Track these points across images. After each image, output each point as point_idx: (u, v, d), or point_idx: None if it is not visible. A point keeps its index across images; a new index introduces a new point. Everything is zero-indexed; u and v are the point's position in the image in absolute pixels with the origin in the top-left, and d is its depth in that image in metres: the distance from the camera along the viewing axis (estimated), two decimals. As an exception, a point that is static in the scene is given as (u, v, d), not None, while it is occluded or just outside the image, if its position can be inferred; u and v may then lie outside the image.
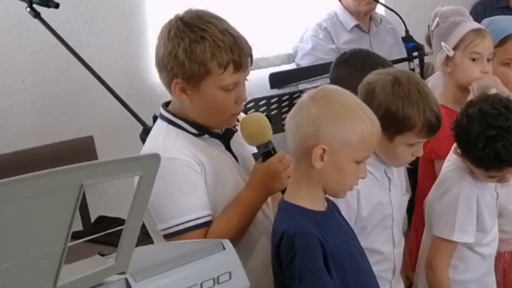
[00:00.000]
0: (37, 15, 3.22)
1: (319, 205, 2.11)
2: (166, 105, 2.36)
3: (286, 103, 3.60)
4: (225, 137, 2.34)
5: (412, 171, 3.06)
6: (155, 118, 2.52)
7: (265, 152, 2.27)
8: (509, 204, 2.74)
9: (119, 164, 1.40)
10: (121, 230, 1.50)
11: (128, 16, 4.03)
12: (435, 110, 2.34)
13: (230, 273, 1.73)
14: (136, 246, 1.56)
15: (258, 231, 2.29)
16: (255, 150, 2.36)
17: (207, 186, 2.24)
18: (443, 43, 3.04)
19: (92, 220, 3.67)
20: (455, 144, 2.61)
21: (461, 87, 3.00)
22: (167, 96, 2.36)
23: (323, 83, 3.14)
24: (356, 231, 2.33)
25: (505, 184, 2.65)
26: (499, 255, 2.74)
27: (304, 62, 4.48)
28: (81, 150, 3.69)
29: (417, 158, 2.94)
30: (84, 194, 1.33)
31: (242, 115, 2.41)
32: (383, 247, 2.40)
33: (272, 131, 2.29)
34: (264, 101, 3.44)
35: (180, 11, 2.30)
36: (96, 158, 3.66)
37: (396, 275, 2.46)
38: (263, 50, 4.57)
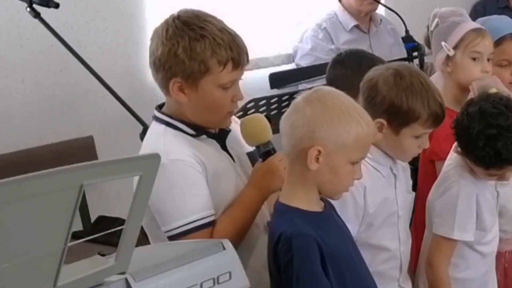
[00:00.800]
0: (37, 15, 3.22)
1: (316, 206, 2.11)
2: (159, 107, 2.36)
3: (286, 103, 3.60)
4: (221, 137, 2.35)
5: (413, 172, 3.06)
6: (155, 118, 2.51)
7: (265, 152, 2.28)
8: (508, 204, 2.74)
9: (119, 164, 1.40)
10: (121, 230, 1.50)
11: (128, 16, 4.03)
12: (438, 100, 2.35)
13: (230, 273, 1.74)
14: (136, 246, 1.57)
15: (258, 229, 2.30)
16: (249, 149, 2.37)
17: (208, 185, 2.25)
18: (443, 43, 3.04)
19: (92, 220, 3.67)
20: (455, 143, 2.61)
21: (461, 87, 3.00)
22: (167, 96, 2.36)
23: (322, 83, 3.15)
24: (363, 228, 2.34)
25: (504, 183, 2.66)
26: (499, 255, 2.74)
27: (304, 62, 4.48)
28: (81, 150, 3.69)
29: (418, 158, 2.96)
30: (84, 194, 1.33)
31: (234, 118, 2.42)
32: (389, 244, 2.40)
33: (272, 131, 2.30)
34: (264, 101, 3.43)
35: (179, 11, 2.30)
36: (96, 158, 3.66)
37: (403, 273, 2.46)
38: (263, 50, 4.57)
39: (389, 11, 4.48)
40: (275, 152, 2.28)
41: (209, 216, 2.22)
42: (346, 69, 2.93)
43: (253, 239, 2.29)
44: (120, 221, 3.23)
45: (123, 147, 3.77)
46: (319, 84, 3.10)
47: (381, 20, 4.67)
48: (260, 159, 2.30)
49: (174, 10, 2.33)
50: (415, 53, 3.92)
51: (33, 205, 1.26)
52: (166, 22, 2.27)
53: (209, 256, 1.73)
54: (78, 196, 1.32)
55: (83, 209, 3.51)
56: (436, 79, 3.25)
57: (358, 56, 2.98)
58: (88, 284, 1.47)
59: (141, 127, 3.06)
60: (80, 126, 3.82)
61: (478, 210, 2.55)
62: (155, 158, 1.48)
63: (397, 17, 4.20)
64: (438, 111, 2.34)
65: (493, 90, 2.63)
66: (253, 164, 2.36)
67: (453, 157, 2.62)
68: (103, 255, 1.57)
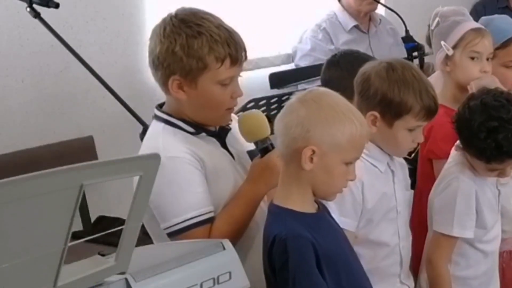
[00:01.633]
0: (37, 15, 3.22)
1: (310, 207, 2.10)
2: (160, 106, 2.37)
3: (286, 103, 3.60)
4: (221, 135, 2.36)
5: (412, 171, 3.06)
6: (155, 118, 2.52)
7: (264, 148, 2.29)
8: (508, 204, 2.74)
9: (119, 164, 1.40)
10: (121, 230, 1.50)
11: (128, 16, 4.03)
12: (431, 92, 2.37)
13: (230, 273, 1.74)
14: (136, 246, 1.57)
15: (257, 225, 2.30)
16: (249, 148, 2.37)
17: (207, 183, 2.25)
18: (442, 42, 3.04)
19: (92, 220, 3.67)
20: (457, 142, 2.62)
21: (460, 87, 3.00)
22: (167, 96, 2.36)
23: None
24: (362, 224, 2.35)
25: (504, 182, 2.66)
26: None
27: (303, 63, 4.48)
28: (81, 150, 3.69)
29: (416, 157, 2.96)
30: (84, 194, 1.33)
31: (233, 116, 2.42)
32: (388, 239, 2.41)
33: (272, 131, 2.30)
34: (264, 101, 3.44)
35: (178, 11, 2.31)
36: (96, 158, 3.66)
37: (404, 268, 2.47)
38: (263, 50, 4.57)
39: (389, 11, 4.49)
40: (273, 148, 2.28)
41: (207, 213, 2.23)
42: (342, 70, 2.94)
43: (252, 235, 2.29)
44: (120, 221, 3.22)
45: (123, 147, 3.77)
46: (318, 85, 3.11)
47: (380, 20, 4.67)
48: (258, 155, 2.31)
49: (174, 10, 2.33)
50: (415, 53, 3.92)
51: (33, 205, 1.26)
52: (164, 20, 2.28)
53: (209, 256, 1.73)
54: (78, 196, 1.32)
55: (83, 209, 3.52)
56: (436, 78, 3.25)
57: (353, 57, 2.99)
58: (88, 284, 1.47)
59: (141, 127, 3.06)
60: (80, 126, 3.82)
61: (478, 208, 2.55)
62: (155, 158, 1.48)
63: (397, 17, 4.20)
64: (431, 103, 2.35)
65: None
66: (253, 163, 2.36)
67: (453, 155, 2.63)
68: (103, 255, 1.57)
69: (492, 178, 2.61)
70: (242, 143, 2.38)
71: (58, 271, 1.36)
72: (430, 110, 2.36)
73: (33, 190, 1.24)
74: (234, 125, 2.38)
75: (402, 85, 2.34)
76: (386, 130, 2.35)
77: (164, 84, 2.28)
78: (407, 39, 4.01)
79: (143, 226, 2.17)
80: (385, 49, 4.45)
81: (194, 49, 2.21)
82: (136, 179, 1.48)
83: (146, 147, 2.33)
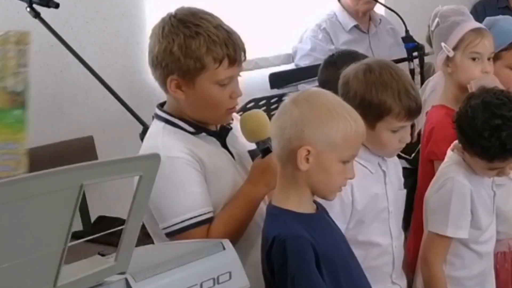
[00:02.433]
0: (37, 15, 3.22)
1: (308, 208, 2.10)
2: (161, 105, 2.37)
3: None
4: (221, 135, 2.36)
5: (412, 171, 3.06)
6: (155, 118, 2.52)
7: (265, 149, 2.28)
8: (503, 205, 2.75)
9: (119, 164, 1.40)
10: (121, 230, 1.50)
11: (128, 16, 4.03)
12: (411, 92, 2.35)
13: (230, 273, 1.74)
14: (136, 246, 1.57)
15: (257, 226, 2.30)
16: (250, 147, 2.37)
17: (206, 183, 2.25)
18: (443, 44, 3.04)
19: (92, 220, 3.67)
20: (454, 142, 2.62)
21: (462, 87, 3.00)
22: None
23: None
24: (352, 225, 2.34)
25: (499, 184, 2.66)
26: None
27: (303, 63, 4.48)
28: (81, 150, 3.68)
29: (417, 157, 2.95)
30: (84, 194, 1.33)
31: (236, 116, 2.42)
32: (380, 239, 2.41)
33: (272, 132, 2.30)
34: (264, 101, 3.44)
35: (178, 11, 2.31)
36: (96, 158, 3.66)
37: (396, 268, 2.46)
38: (263, 50, 4.57)
39: (389, 11, 4.48)
40: None
41: (206, 213, 2.23)
42: (338, 71, 2.94)
43: (253, 236, 2.29)
44: (120, 221, 3.22)
45: (123, 147, 3.77)
46: (318, 85, 3.11)
47: (380, 20, 4.67)
48: (259, 156, 2.31)
49: (173, 9, 2.33)
50: (415, 53, 3.92)
51: (34, 205, 1.26)
52: (163, 20, 2.28)
53: (209, 256, 1.73)
54: (78, 196, 1.32)
55: (83, 209, 3.52)
56: (438, 79, 3.26)
57: (351, 58, 2.99)
58: (88, 284, 1.47)
59: (141, 127, 3.06)
60: (80, 126, 3.82)
61: (473, 208, 2.55)
62: (155, 158, 1.48)
63: (397, 17, 4.19)
64: (411, 103, 2.34)
65: None
66: (254, 163, 2.36)
67: (449, 155, 2.63)
68: (103, 255, 1.57)
69: (488, 180, 2.61)
70: (243, 143, 2.38)
71: (58, 271, 1.36)
72: (411, 110, 2.34)
73: (33, 190, 1.24)
74: (235, 124, 2.38)
75: (380, 86, 2.33)
76: (369, 132, 2.31)
77: (162, 84, 2.29)
78: (407, 39, 4.00)
79: (143, 226, 2.17)
80: (385, 49, 4.45)
81: (192, 49, 2.21)
82: (136, 179, 1.48)
83: (146, 147, 2.33)
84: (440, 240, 2.54)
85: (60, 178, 1.28)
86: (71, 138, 3.74)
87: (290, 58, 4.70)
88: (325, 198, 2.14)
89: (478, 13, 5.09)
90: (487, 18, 3.28)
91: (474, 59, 3.01)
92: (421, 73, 3.90)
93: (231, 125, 2.38)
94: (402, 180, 2.56)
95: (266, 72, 4.36)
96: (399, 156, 2.69)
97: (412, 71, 3.81)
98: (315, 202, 2.14)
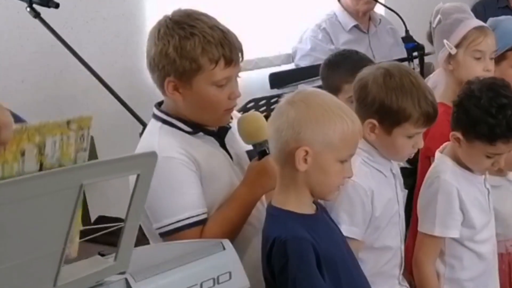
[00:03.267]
0: (37, 15, 3.21)
1: (308, 208, 2.11)
2: (159, 105, 2.37)
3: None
4: (220, 135, 2.36)
5: (412, 171, 3.06)
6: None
7: (261, 151, 2.28)
8: (500, 206, 2.75)
9: (117, 163, 1.40)
10: (118, 226, 1.50)
11: (128, 16, 4.03)
12: (430, 99, 2.35)
13: (230, 273, 1.74)
14: (136, 246, 1.57)
15: (253, 228, 2.30)
16: (249, 147, 2.37)
17: (202, 184, 2.25)
18: (445, 41, 3.04)
19: (92, 220, 3.67)
20: (443, 145, 2.62)
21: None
22: (167, 96, 2.36)
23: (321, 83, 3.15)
24: (369, 231, 2.33)
25: (496, 185, 2.67)
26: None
27: (303, 63, 4.47)
28: (81, 150, 3.68)
29: (416, 158, 2.95)
30: (84, 194, 1.33)
31: (236, 114, 2.42)
32: (392, 242, 2.41)
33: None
34: (264, 101, 3.43)
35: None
36: (96, 158, 3.64)
37: (402, 270, 2.47)
38: (263, 50, 4.57)
39: (389, 11, 4.48)
40: None
41: (200, 214, 2.23)
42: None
43: (248, 238, 2.29)
44: (120, 221, 3.22)
45: (123, 147, 3.76)
46: (318, 85, 3.11)
47: (380, 20, 4.67)
48: (256, 157, 2.31)
49: (171, 12, 2.34)
50: (415, 53, 3.92)
51: (34, 206, 1.26)
52: (159, 22, 2.29)
53: (209, 256, 1.73)
54: (78, 196, 1.32)
55: (83, 209, 3.50)
56: (438, 76, 3.25)
57: (344, 57, 3.00)
58: (88, 284, 1.47)
59: (141, 127, 3.06)
60: (80, 126, 3.81)
61: (463, 207, 2.54)
62: (152, 156, 1.48)
63: (397, 17, 4.19)
64: (430, 110, 2.33)
65: None
66: (252, 163, 2.36)
67: (437, 156, 2.63)
68: (103, 255, 1.57)
69: (480, 178, 2.60)
70: (241, 143, 2.38)
71: (58, 271, 1.36)
72: (429, 117, 2.34)
73: (33, 191, 1.24)
74: (235, 123, 2.38)
75: (400, 93, 2.31)
76: (385, 138, 2.33)
77: (160, 86, 2.29)
78: (407, 39, 4.00)
79: (141, 227, 2.17)
80: (385, 49, 4.44)
81: (187, 50, 2.21)
82: (132, 178, 1.48)
83: (142, 146, 2.33)
84: (429, 240, 2.54)
85: (60, 178, 1.28)
86: (71, 138, 3.74)
87: (290, 58, 4.69)
88: (323, 198, 2.14)
89: (478, 13, 5.07)
90: (490, 19, 3.28)
91: (476, 57, 3.01)
92: (421, 73, 3.89)
93: (230, 124, 2.38)
94: (402, 180, 2.56)
95: (266, 72, 4.35)
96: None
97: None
98: (315, 202, 2.14)
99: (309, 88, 2.26)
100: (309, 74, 4.05)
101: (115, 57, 3.96)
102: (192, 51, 2.21)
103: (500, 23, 3.20)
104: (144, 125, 3.04)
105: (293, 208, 2.07)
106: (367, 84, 2.35)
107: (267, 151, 2.27)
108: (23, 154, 1.26)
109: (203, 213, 2.24)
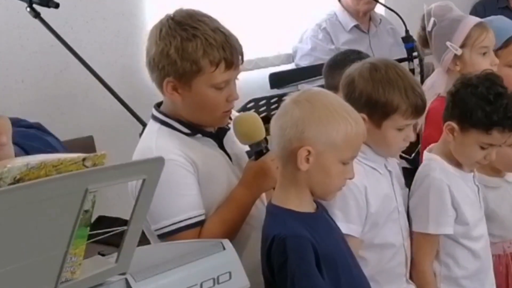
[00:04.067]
0: (37, 15, 3.22)
1: (308, 207, 2.11)
2: (158, 105, 2.37)
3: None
4: (218, 136, 2.36)
5: (413, 171, 3.06)
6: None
7: (258, 151, 2.29)
8: (498, 208, 2.75)
9: (123, 169, 1.40)
10: (121, 229, 1.50)
11: (128, 16, 4.03)
12: (417, 90, 2.36)
13: (230, 273, 1.74)
14: (136, 246, 1.57)
15: (251, 228, 2.30)
16: (248, 148, 2.37)
17: (200, 185, 2.26)
18: (448, 43, 3.04)
19: (92, 220, 3.67)
20: (431, 145, 2.62)
21: None
22: (166, 96, 2.36)
23: (322, 83, 3.15)
24: (367, 228, 2.34)
25: (494, 187, 2.69)
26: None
27: (304, 63, 4.48)
28: (81, 150, 3.65)
29: (416, 157, 2.95)
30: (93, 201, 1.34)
31: (234, 113, 2.42)
32: (394, 240, 2.41)
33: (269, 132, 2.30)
34: (264, 101, 3.44)
35: (178, 11, 2.31)
36: (96, 158, 3.65)
37: (408, 269, 2.47)
38: (263, 50, 4.57)
39: (389, 11, 4.48)
40: (267, 151, 2.28)
41: (198, 216, 2.23)
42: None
43: (246, 237, 2.29)
44: (120, 221, 3.23)
45: (123, 147, 3.75)
46: (318, 85, 3.11)
47: (380, 20, 4.67)
48: (252, 158, 2.31)
49: (174, 10, 2.33)
50: (415, 53, 3.92)
51: (39, 209, 1.26)
52: (161, 22, 2.28)
53: (209, 256, 1.73)
54: (83, 200, 1.32)
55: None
56: (437, 77, 3.25)
57: (347, 57, 3.00)
58: (88, 285, 1.47)
59: (141, 127, 3.06)
60: (80, 126, 3.82)
61: (455, 204, 2.54)
62: (159, 161, 1.48)
63: (397, 17, 4.19)
64: (418, 101, 2.34)
65: None
66: (251, 163, 2.36)
67: (426, 156, 2.63)
68: (103, 255, 1.57)
69: (469, 175, 2.60)
70: (241, 144, 2.38)
71: (59, 273, 1.36)
72: (417, 108, 2.35)
73: (40, 195, 1.24)
74: (233, 124, 2.38)
75: (387, 85, 2.33)
76: (375, 132, 2.34)
77: (159, 86, 2.29)
78: (407, 39, 4.00)
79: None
80: (385, 49, 4.45)
81: (188, 52, 2.21)
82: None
83: (140, 148, 2.33)
84: (423, 238, 2.54)
85: (66, 183, 1.28)
86: (71, 138, 3.73)
87: (290, 58, 4.70)
88: (323, 199, 2.14)
89: (478, 13, 5.08)
90: (482, 19, 3.29)
91: (483, 53, 3.03)
92: (421, 73, 3.90)
93: (229, 126, 2.38)
94: (402, 180, 2.57)
95: (266, 72, 4.36)
96: (399, 156, 2.70)
97: (412, 71, 3.81)
98: (315, 201, 2.14)
99: (314, 88, 2.26)
100: (309, 74, 4.06)
101: (115, 56, 3.97)
102: (193, 53, 2.21)
103: (491, 23, 3.21)
104: (144, 125, 3.04)
105: (293, 207, 2.07)
106: (353, 79, 2.37)
107: (264, 151, 2.27)
108: None
109: (201, 215, 2.24)
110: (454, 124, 2.52)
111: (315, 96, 2.08)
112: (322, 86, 3.06)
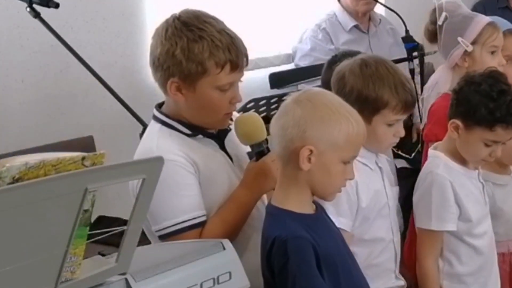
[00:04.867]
0: (37, 15, 3.21)
1: (308, 208, 2.10)
2: (159, 106, 2.37)
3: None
4: (220, 137, 2.35)
5: (412, 171, 3.06)
6: (155, 118, 2.51)
7: (259, 152, 2.28)
8: (504, 205, 2.75)
9: (123, 168, 1.40)
10: (121, 229, 1.50)
11: (128, 16, 4.03)
12: (407, 86, 2.39)
13: (230, 273, 1.74)
14: (137, 246, 1.57)
15: (252, 228, 2.30)
16: (249, 149, 2.37)
17: (201, 186, 2.25)
18: (460, 39, 3.06)
19: (92, 220, 3.67)
20: (437, 143, 2.61)
21: None
22: (167, 96, 2.36)
23: (322, 83, 3.15)
24: (358, 223, 2.35)
25: (501, 184, 2.68)
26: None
27: (303, 63, 4.48)
28: (81, 150, 3.65)
29: (416, 157, 2.95)
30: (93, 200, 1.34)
31: (235, 114, 2.42)
32: (384, 235, 2.43)
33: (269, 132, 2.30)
34: (264, 101, 3.44)
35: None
36: (95, 158, 3.65)
37: (398, 264, 2.48)
38: (263, 50, 4.57)
39: (389, 11, 4.48)
40: (268, 151, 2.28)
41: (199, 217, 2.23)
42: None
43: (247, 238, 2.29)
44: (120, 221, 3.22)
45: (123, 147, 3.75)
46: (318, 85, 3.11)
47: (380, 20, 4.67)
48: (253, 159, 2.31)
49: (174, 10, 2.33)
50: (415, 53, 3.92)
51: (39, 209, 1.26)
52: (167, 21, 2.27)
53: (209, 256, 1.73)
54: (82, 200, 1.32)
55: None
56: (441, 73, 3.26)
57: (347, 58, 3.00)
58: (88, 284, 1.47)
59: (141, 127, 3.06)
60: (80, 126, 3.82)
61: (458, 200, 2.55)
62: (158, 161, 1.48)
63: (397, 17, 4.19)
64: (407, 96, 2.37)
65: None
66: (252, 164, 2.35)
67: (430, 154, 2.64)
68: (103, 254, 1.57)
69: (473, 172, 2.60)
70: (242, 145, 2.37)
71: (59, 273, 1.36)
72: (407, 103, 2.38)
73: (39, 195, 1.24)
74: (235, 125, 2.38)
75: (377, 80, 2.36)
76: (366, 127, 2.35)
77: (163, 85, 2.28)
78: (407, 39, 4.00)
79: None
80: (385, 49, 4.44)
81: (195, 53, 2.20)
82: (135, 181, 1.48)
83: (141, 149, 2.33)
84: (427, 235, 2.55)
85: (65, 183, 1.28)
86: (71, 138, 3.73)
87: (290, 58, 4.70)
88: (324, 198, 2.14)
89: (478, 13, 5.08)
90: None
91: (492, 52, 3.04)
92: (421, 73, 3.90)
93: (230, 127, 2.38)
94: (393, 177, 2.58)
95: (266, 72, 4.36)
96: (399, 156, 2.70)
97: (412, 71, 3.81)
98: (314, 202, 2.14)
99: (315, 88, 2.26)
100: (309, 74, 4.06)
101: (115, 57, 3.97)
102: (199, 54, 2.20)
103: None
104: (144, 125, 3.04)
105: (292, 208, 2.07)
106: (344, 75, 2.39)
107: (265, 152, 2.27)
108: None
109: (202, 216, 2.24)
110: (458, 122, 2.54)
111: (316, 96, 2.08)
112: (321, 86, 3.06)
